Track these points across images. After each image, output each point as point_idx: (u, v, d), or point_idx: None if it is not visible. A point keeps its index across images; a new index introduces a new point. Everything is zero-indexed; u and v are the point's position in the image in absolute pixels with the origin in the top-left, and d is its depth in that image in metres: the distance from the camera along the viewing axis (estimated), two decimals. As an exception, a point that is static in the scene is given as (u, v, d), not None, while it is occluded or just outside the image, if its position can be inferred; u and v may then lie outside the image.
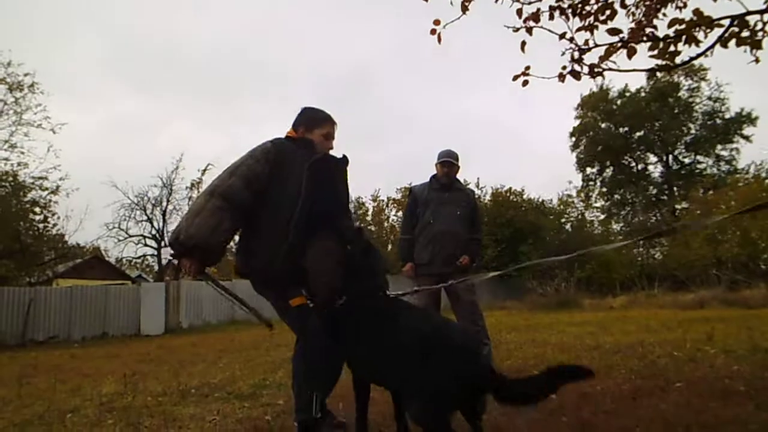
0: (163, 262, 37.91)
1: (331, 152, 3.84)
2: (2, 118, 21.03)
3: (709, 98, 38.88)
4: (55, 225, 27.88)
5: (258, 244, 3.57)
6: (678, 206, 37.06)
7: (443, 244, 5.84)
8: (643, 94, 39.71)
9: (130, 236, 36.68)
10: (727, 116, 38.24)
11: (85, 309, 20.74)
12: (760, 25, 4.13)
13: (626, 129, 41.06)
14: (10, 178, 21.75)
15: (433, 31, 4.63)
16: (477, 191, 36.04)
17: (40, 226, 26.74)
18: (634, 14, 4.73)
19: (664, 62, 4.52)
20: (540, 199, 36.36)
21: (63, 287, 23.10)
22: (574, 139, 42.41)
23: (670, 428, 3.24)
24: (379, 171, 64.05)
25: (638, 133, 41.16)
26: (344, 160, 3.80)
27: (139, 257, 40.05)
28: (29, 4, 60.42)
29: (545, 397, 2.87)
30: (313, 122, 3.84)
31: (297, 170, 3.53)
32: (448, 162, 5.99)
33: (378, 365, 3.26)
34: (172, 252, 3.54)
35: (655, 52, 4.48)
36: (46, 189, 23.84)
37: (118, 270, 38.12)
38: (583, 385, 4.91)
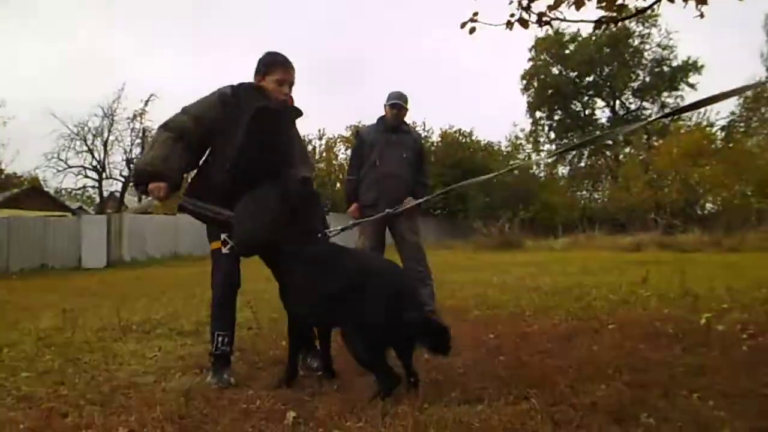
0: (105, 194, 37.09)
1: (287, 100, 3.80)
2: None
3: (659, 45, 39.32)
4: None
5: (201, 187, 3.79)
6: (621, 152, 37.81)
7: (388, 187, 5.83)
8: (594, 39, 39.87)
9: (70, 167, 35.70)
10: (674, 64, 38.80)
11: (23, 240, 20.16)
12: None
13: (576, 74, 41.33)
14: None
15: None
16: (424, 132, 36.05)
17: (-26, 154, 25.73)
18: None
19: (611, 14, 4.55)
20: (488, 142, 36.57)
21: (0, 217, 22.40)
22: (525, 82, 42.55)
23: (601, 369, 3.36)
24: (330, 110, 63.12)
25: (588, 79, 41.52)
26: (289, 111, 3.84)
27: (79, 188, 39.09)
28: None
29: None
30: (266, 67, 3.77)
31: (244, 120, 3.57)
32: (398, 105, 5.93)
33: (315, 306, 3.36)
34: (136, 185, 3.78)
35: (603, 3, 4.50)
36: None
37: (58, 201, 37.00)
38: (521, 325, 5.08)
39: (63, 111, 46.93)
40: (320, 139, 37.01)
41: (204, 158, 3.87)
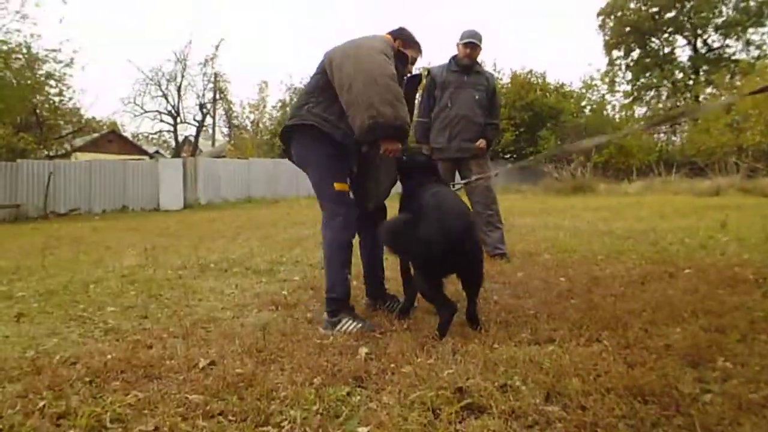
0: (180, 138, 38.08)
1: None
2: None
3: (745, -23, 36.94)
4: (71, 99, 27.85)
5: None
6: (702, 93, 36.09)
7: (460, 129, 5.79)
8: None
9: (146, 112, 36.69)
10: (762, -3, 36.42)
11: (104, 183, 21.10)
12: None
13: (656, 9, 39.36)
14: (24, 50, 21.40)
15: None
16: (495, 74, 35.13)
17: (56, 99, 26.70)
18: None
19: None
20: (560, 83, 35.42)
21: (82, 161, 23.40)
22: (601, 19, 40.86)
23: (675, 313, 3.30)
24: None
25: (668, 14, 39.50)
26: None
27: (155, 133, 40.29)
28: None
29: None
30: (410, 42, 3.79)
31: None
32: (472, 43, 5.75)
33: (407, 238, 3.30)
34: (393, 136, 3.36)
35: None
36: (60, 62, 23.51)
37: (135, 145, 38.36)
38: (593, 269, 5.02)
39: (138, 57, 47.87)
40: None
41: None
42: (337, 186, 3.54)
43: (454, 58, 5.92)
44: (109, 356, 2.86)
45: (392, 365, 2.58)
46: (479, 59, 6.00)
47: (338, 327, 3.31)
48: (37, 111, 26.37)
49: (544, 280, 4.57)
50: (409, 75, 3.82)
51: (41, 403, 2.26)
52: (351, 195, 3.59)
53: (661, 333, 2.94)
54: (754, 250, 5.59)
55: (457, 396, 2.16)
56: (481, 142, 5.78)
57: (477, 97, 5.84)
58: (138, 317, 3.93)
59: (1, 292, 4.99)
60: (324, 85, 3.51)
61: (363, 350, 2.81)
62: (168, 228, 12.29)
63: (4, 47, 20.45)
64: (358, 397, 2.26)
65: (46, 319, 3.94)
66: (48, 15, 56.78)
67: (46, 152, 27.05)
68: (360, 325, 3.32)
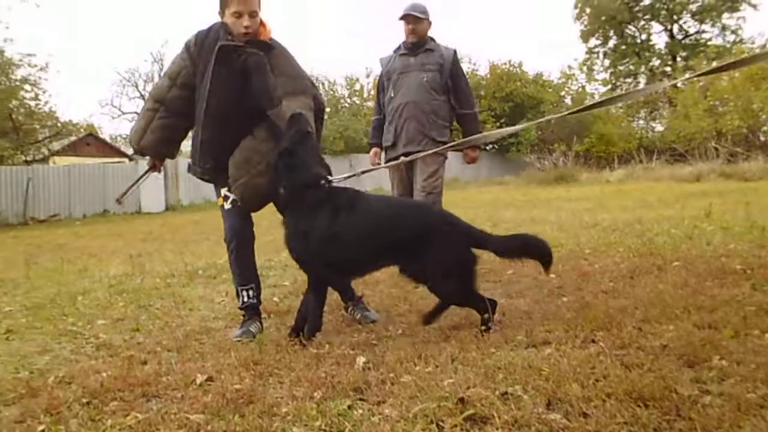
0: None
1: (249, 32, 3.42)
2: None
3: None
4: (47, 103, 27.50)
5: (193, 147, 3.70)
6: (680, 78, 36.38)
7: (406, 119, 4.88)
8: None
9: (124, 113, 36.37)
10: (736, -18, 36.77)
11: (84, 187, 20.91)
12: None
13: (632, -1, 39.62)
14: (-4, 54, 21.15)
15: None
16: (470, 66, 34.98)
17: (32, 103, 26.34)
18: None
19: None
20: (539, 73, 35.55)
21: (61, 165, 23.14)
22: (577, 9, 41.03)
23: (667, 309, 3.31)
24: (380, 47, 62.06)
25: (644, 2, 39.75)
26: (255, 45, 3.47)
27: (134, 134, 39.86)
28: None
29: None
30: (222, 2, 3.45)
31: (209, 60, 3.41)
32: (410, 16, 4.85)
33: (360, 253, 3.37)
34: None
35: None
36: (35, 66, 23.23)
37: (114, 147, 37.96)
38: (582, 264, 5.04)
39: (113, 58, 47.54)
40: (367, 77, 36.55)
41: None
42: (219, 202, 3.71)
43: (404, 42, 5.07)
44: (104, 374, 2.84)
45: (391, 375, 2.57)
46: (431, 34, 5.06)
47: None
48: (12, 116, 26.00)
49: (534, 278, 4.59)
50: (227, 44, 3.37)
51: (40, 428, 2.25)
52: (228, 204, 3.62)
53: (655, 331, 2.96)
54: (740, 240, 5.63)
55: (459, 407, 2.15)
56: (470, 155, 5.14)
57: (425, 78, 4.85)
58: (129, 330, 3.91)
59: (-13, 307, 4.93)
60: None
61: (360, 360, 2.80)
62: (151, 232, 12.21)
63: (-22, 52, 20.16)
64: (360, 411, 2.25)
65: (36, 335, 3.91)
66: (21, 18, 55.91)
67: (23, 157, 26.71)
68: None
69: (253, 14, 3.41)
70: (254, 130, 3.44)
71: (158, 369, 2.90)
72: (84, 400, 2.52)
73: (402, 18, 4.88)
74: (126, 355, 3.23)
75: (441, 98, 4.92)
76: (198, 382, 2.66)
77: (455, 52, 5.00)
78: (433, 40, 5.01)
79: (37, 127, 28.84)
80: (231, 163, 3.42)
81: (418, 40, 4.92)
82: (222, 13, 3.46)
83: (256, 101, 3.42)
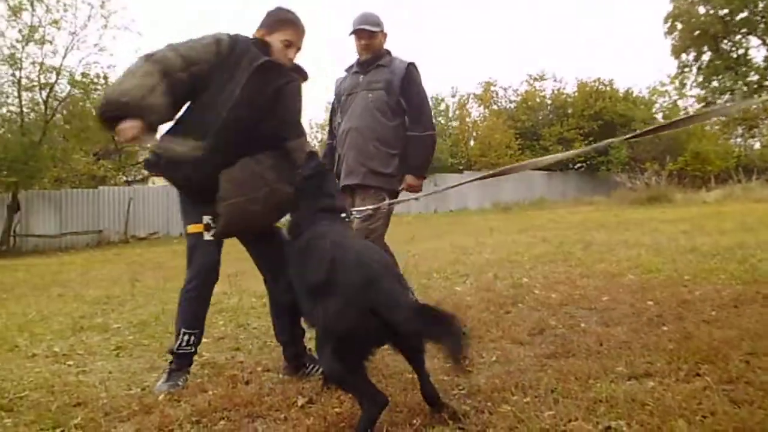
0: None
1: (289, 63, 3.31)
2: (91, 23, 21.30)
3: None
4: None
5: (179, 141, 3.15)
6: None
7: (348, 147, 4.27)
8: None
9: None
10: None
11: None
12: None
13: (726, 11, 38.03)
14: (102, 80, 22.36)
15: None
16: (555, 84, 34.43)
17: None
18: None
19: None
20: (629, 90, 34.63)
21: (159, 185, 24.20)
22: (668, 24, 39.76)
23: (778, 342, 3.18)
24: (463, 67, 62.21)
25: (740, 15, 38.11)
26: (301, 73, 3.42)
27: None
28: None
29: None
30: (275, 24, 3.29)
31: (241, 73, 3.13)
32: (362, 31, 4.24)
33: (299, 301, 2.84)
34: (103, 119, 3.01)
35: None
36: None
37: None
38: (681, 291, 4.88)
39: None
40: (453, 96, 36.57)
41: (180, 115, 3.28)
42: (189, 228, 3.27)
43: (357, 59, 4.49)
44: (210, 393, 2.97)
45: (489, 404, 2.57)
46: (386, 47, 4.42)
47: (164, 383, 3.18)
48: (115, 138, 27.36)
49: (631, 305, 4.47)
50: (274, 60, 3.21)
51: (156, 446, 2.37)
52: (209, 235, 3.22)
53: (763, 366, 2.84)
54: None
55: (561, 440, 2.14)
56: (410, 181, 4.31)
57: (371, 97, 4.23)
58: (230, 349, 4.06)
59: (98, 324, 5.23)
60: None
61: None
62: (244, 251, 12.52)
63: (85, 79, 21.41)
64: (460, 440, 2.27)
65: (144, 352, 4.11)
66: (124, 46, 59.10)
67: (124, 178, 28.16)
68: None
69: (298, 50, 3.35)
70: (257, 155, 3.15)
71: (260, 390, 3.01)
72: (193, 419, 2.64)
73: (353, 33, 4.28)
74: (229, 374, 3.35)
75: (391, 122, 4.23)
76: (299, 404, 2.74)
77: (409, 65, 4.28)
78: (389, 53, 4.39)
79: (137, 148, 30.38)
80: (227, 178, 3.04)
81: (371, 56, 4.33)
82: (267, 32, 3.30)
83: (275, 127, 3.24)
